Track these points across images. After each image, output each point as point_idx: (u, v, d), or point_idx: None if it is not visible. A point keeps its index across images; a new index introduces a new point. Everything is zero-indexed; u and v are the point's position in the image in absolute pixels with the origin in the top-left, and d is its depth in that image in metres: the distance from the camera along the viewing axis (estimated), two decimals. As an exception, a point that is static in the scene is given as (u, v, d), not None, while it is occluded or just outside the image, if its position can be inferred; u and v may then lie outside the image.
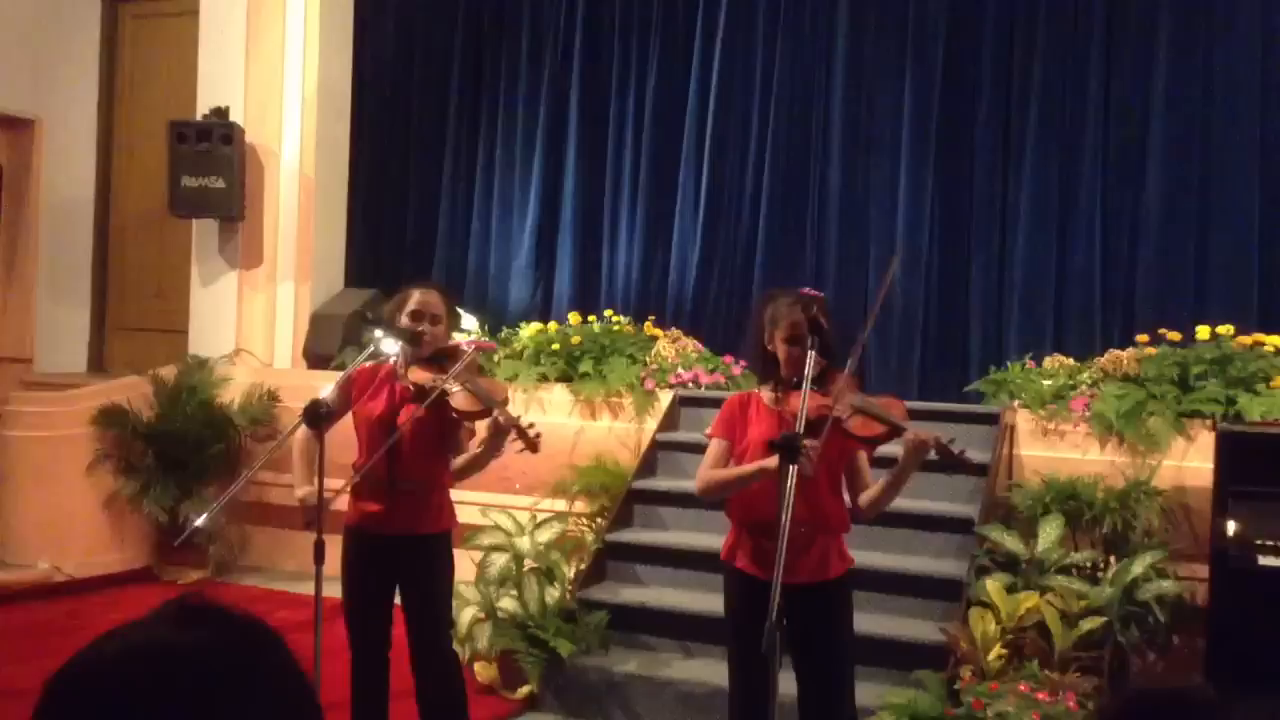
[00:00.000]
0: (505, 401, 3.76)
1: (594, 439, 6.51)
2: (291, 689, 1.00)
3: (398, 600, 3.93)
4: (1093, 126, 6.70)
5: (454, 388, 3.65)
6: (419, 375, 3.77)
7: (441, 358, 3.81)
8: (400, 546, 3.81)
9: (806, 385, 3.04)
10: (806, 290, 3.55)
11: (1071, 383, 5.84)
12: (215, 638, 0.97)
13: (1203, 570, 4.94)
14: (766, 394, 3.48)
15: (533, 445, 3.53)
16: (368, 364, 4.00)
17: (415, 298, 3.89)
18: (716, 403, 6.30)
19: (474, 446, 3.82)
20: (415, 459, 3.76)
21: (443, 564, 3.90)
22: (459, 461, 3.83)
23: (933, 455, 3.11)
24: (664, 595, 5.48)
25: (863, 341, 3.37)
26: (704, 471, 3.49)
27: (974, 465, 3.11)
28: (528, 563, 5.57)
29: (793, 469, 2.82)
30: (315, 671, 3.63)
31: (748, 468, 3.34)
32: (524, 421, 3.55)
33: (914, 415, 5.44)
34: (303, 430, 3.85)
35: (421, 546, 3.82)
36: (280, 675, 1.00)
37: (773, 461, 3.27)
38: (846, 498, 3.47)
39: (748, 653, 3.37)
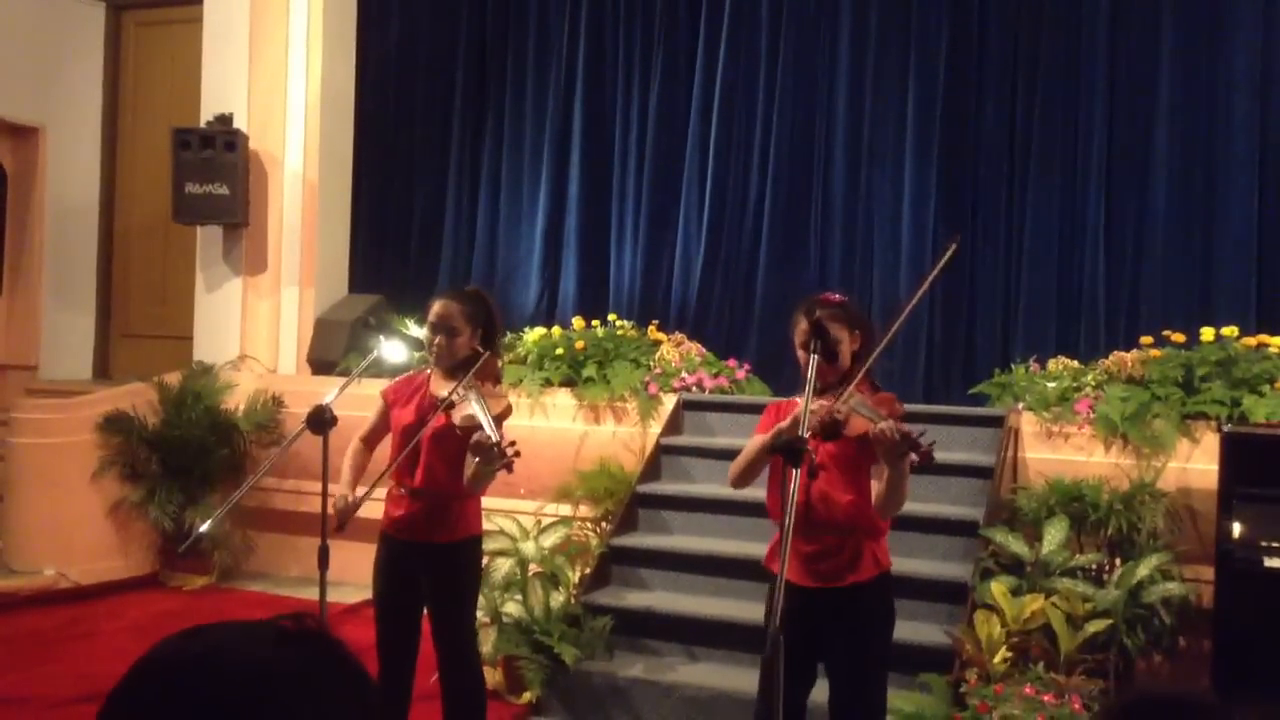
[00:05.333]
0: (502, 417, 3.74)
1: (598, 443, 6.51)
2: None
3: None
4: (1097, 130, 6.70)
5: (462, 402, 3.65)
6: (439, 387, 3.83)
7: (465, 368, 3.80)
8: (422, 553, 3.84)
9: (809, 389, 3.04)
10: (830, 295, 3.56)
11: (1076, 385, 5.84)
12: (309, 659, 0.98)
13: (1208, 572, 4.94)
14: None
15: (506, 466, 3.50)
16: (402, 375, 4.10)
17: (433, 309, 3.88)
18: (720, 406, 6.36)
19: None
20: (436, 468, 3.79)
21: (462, 570, 3.91)
22: (466, 474, 3.84)
23: (909, 453, 3.07)
24: (669, 600, 5.48)
25: (885, 344, 3.36)
26: (737, 460, 3.55)
27: (935, 462, 3.06)
28: (532, 567, 5.57)
29: (796, 472, 2.81)
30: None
31: (753, 445, 3.39)
32: (506, 441, 3.48)
33: (919, 418, 5.47)
34: (355, 442, 3.99)
35: (441, 553, 3.84)
36: (362, 707, 1.01)
37: (767, 437, 3.34)
38: None
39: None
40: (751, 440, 3.54)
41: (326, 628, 1.04)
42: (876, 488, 3.29)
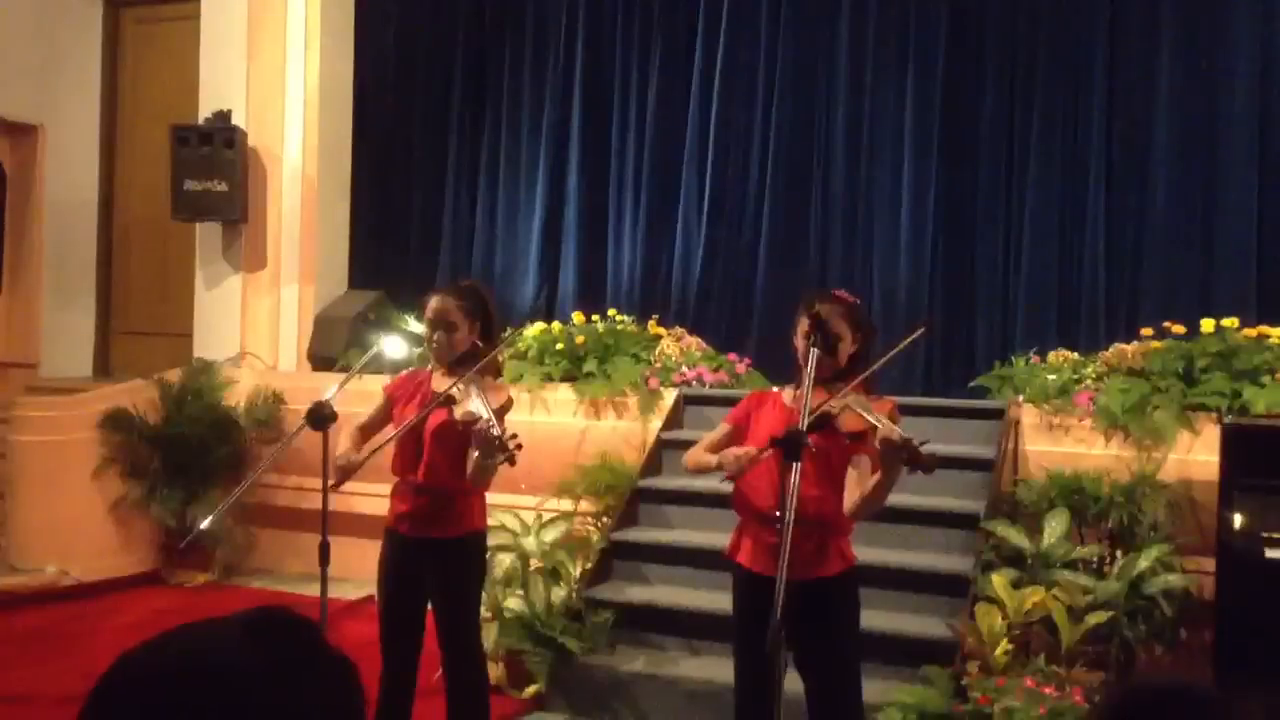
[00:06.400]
0: (504, 410, 3.73)
1: (599, 438, 6.51)
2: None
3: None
4: (1096, 121, 6.70)
5: (462, 396, 3.65)
6: (440, 383, 3.82)
7: (465, 363, 3.79)
8: (426, 548, 3.83)
9: (809, 382, 3.03)
10: (840, 291, 3.56)
11: (1076, 377, 5.84)
12: (281, 654, 0.97)
13: (1209, 563, 4.94)
14: (788, 392, 3.47)
15: (509, 459, 3.50)
16: (404, 372, 4.10)
17: (430, 305, 3.86)
18: (721, 400, 6.35)
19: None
20: (439, 463, 3.78)
21: (466, 565, 3.90)
22: (469, 468, 3.83)
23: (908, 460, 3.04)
24: (670, 594, 5.48)
25: (874, 369, 3.34)
26: (694, 449, 3.53)
27: (937, 462, 3.01)
28: (534, 562, 5.58)
29: (796, 466, 2.81)
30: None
31: (710, 458, 3.36)
32: (508, 434, 3.47)
33: (920, 411, 5.50)
34: (350, 426, 3.99)
35: (444, 549, 3.83)
36: (340, 694, 1.00)
37: (712, 459, 3.33)
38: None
39: (744, 648, 3.38)
40: (719, 430, 3.53)
41: (296, 616, 1.02)
42: (858, 488, 3.24)
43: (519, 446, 3.45)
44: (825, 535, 3.33)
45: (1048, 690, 4.31)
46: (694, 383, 6.55)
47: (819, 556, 3.32)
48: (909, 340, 3.33)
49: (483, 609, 5.27)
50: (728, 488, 3.49)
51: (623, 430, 6.51)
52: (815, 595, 3.28)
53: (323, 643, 1.02)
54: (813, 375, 3.06)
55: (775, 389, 3.64)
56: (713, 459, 3.35)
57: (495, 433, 3.44)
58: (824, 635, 3.35)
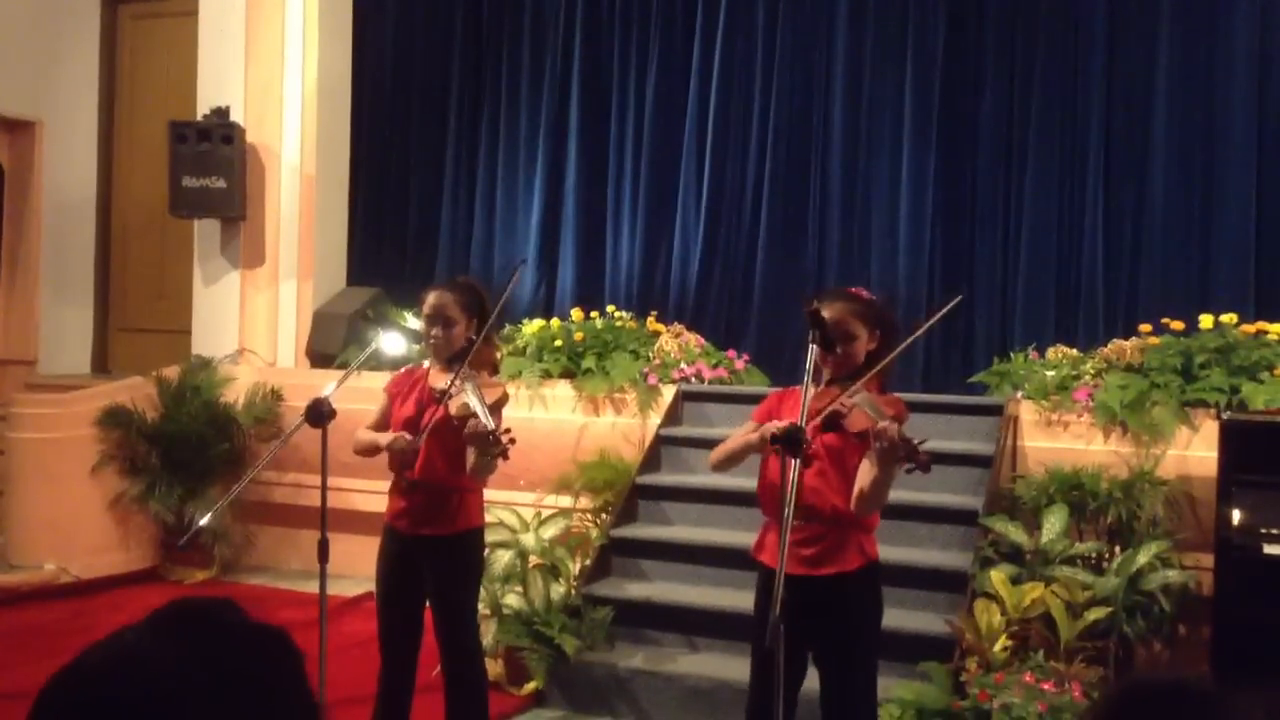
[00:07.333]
0: (499, 405, 3.74)
1: (597, 435, 6.51)
2: (285, 706, 1.00)
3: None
4: (1095, 115, 6.69)
5: (457, 392, 3.66)
6: (437, 379, 3.83)
7: (462, 359, 3.80)
8: (423, 545, 3.84)
9: (808, 378, 3.03)
10: (855, 289, 3.56)
11: (1075, 373, 5.84)
12: (201, 654, 0.96)
13: (1208, 559, 4.94)
14: (811, 389, 3.48)
15: (502, 454, 3.51)
16: (404, 368, 4.12)
17: (428, 300, 3.88)
18: (719, 397, 6.36)
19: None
20: (435, 460, 3.79)
21: (464, 562, 3.91)
22: (469, 464, 3.84)
23: (904, 459, 3.04)
24: (669, 590, 5.48)
25: (894, 356, 3.34)
26: (719, 446, 3.54)
27: (929, 462, 3.00)
28: (532, 559, 5.58)
29: (795, 462, 2.81)
30: (320, 672, 3.66)
31: (741, 437, 3.39)
32: (501, 429, 3.50)
33: (917, 407, 5.47)
34: (361, 428, 4.00)
35: (441, 546, 3.84)
36: (269, 693, 0.99)
37: (735, 443, 3.36)
38: None
39: (760, 645, 3.39)
40: (744, 428, 3.54)
41: (203, 603, 1.02)
42: (860, 484, 3.27)
43: (512, 441, 3.47)
44: (844, 531, 3.34)
45: (1046, 686, 4.31)
46: (693, 379, 6.55)
47: (838, 551, 3.33)
48: (949, 307, 3.38)
49: (481, 606, 5.27)
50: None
51: (621, 427, 6.51)
52: (832, 590, 3.30)
53: (232, 622, 1.00)
54: (810, 372, 3.06)
55: (798, 386, 3.63)
56: (735, 442, 3.40)
57: (488, 427, 3.46)
58: (838, 630, 3.35)
